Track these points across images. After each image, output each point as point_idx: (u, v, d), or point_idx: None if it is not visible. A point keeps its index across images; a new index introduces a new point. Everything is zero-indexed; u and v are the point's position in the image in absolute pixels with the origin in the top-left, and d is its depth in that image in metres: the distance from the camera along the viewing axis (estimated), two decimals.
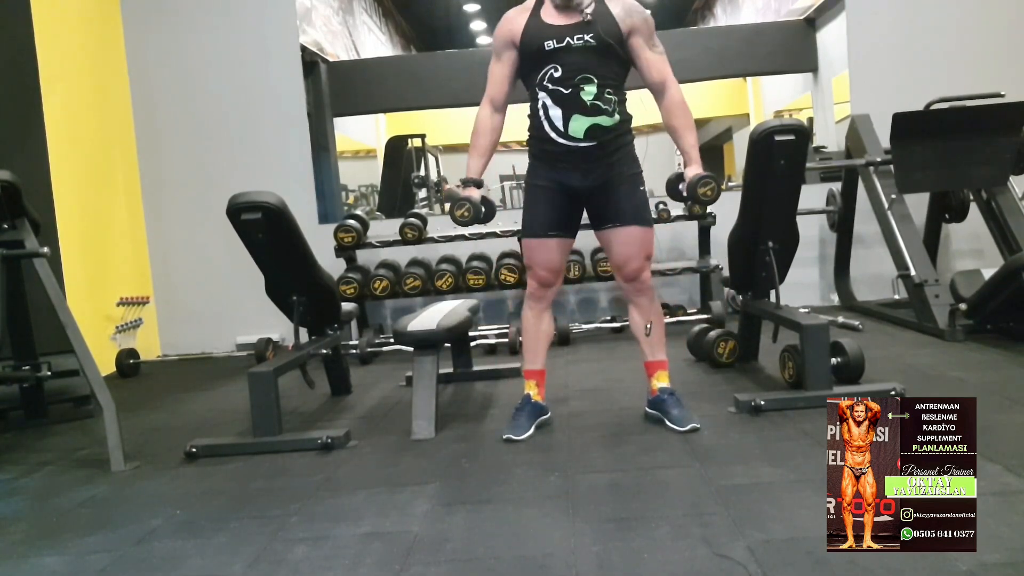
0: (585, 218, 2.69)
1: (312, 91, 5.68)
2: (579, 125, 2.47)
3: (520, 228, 2.73)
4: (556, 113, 2.48)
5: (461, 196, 2.61)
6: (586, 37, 2.45)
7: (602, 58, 2.48)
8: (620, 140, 2.56)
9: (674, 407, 2.63)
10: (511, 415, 2.71)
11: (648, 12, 2.58)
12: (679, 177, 2.64)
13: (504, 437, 2.60)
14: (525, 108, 2.64)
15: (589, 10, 2.48)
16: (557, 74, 2.47)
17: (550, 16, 2.50)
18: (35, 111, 4.28)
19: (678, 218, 4.78)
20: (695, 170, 2.57)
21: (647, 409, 2.74)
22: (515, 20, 2.56)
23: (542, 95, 2.51)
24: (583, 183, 2.55)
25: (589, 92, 2.45)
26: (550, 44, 2.47)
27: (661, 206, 4.60)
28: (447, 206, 2.65)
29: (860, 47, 5.26)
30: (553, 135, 2.50)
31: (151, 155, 5.37)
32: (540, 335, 2.74)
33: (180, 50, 5.33)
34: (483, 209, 2.62)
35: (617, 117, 2.52)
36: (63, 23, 4.64)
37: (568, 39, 2.45)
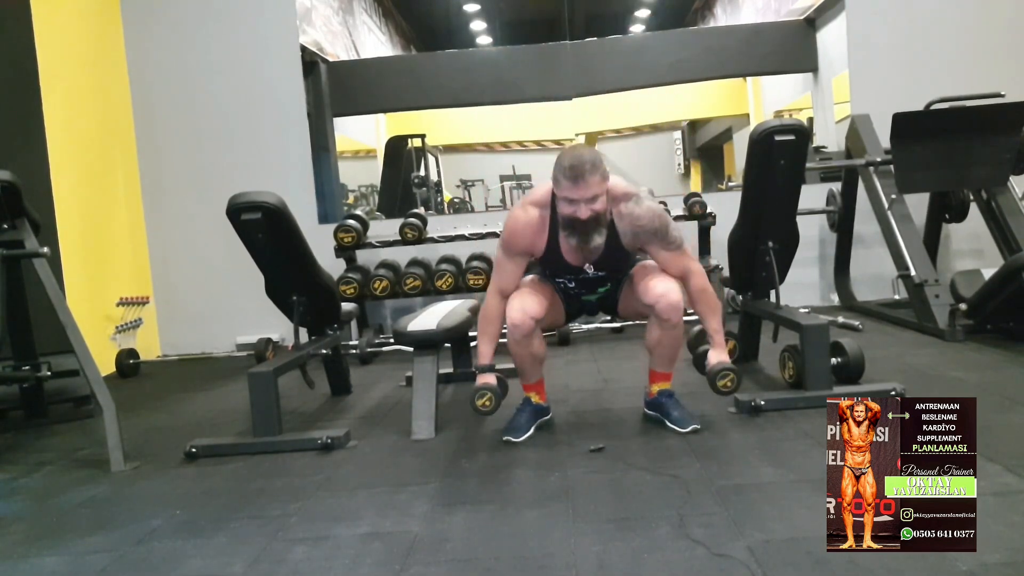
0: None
1: (312, 91, 5.68)
2: (591, 298, 2.72)
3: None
4: (571, 286, 2.68)
5: (480, 384, 2.61)
6: (600, 273, 2.60)
7: (615, 271, 2.64)
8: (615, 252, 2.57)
9: (674, 408, 2.63)
10: (511, 416, 2.71)
11: (650, 219, 2.48)
12: (704, 356, 2.71)
13: (504, 438, 2.60)
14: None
15: (597, 253, 2.50)
16: (571, 284, 2.67)
17: (567, 252, 2.53)
18: (35, 111, 4.28)
19: (678, 218, 4.77)
20: (718, 356, 2.61)
21: (646, 410, 2.74)
22: (535, 236, 2.52)
23: (558, 281, 2.69)
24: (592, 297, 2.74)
25: (599, 292, 2.70)
26: (563, 280, 2.65)
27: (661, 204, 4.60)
28: (469, 398, 2.65)
29: (860, 47, 5.27)
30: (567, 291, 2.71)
31: (151, 155, 5.37)
32: (534, 357, 2.64)
33: (180, 50, 5.33)
34: (502, 395, 2.64)
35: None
36: (63, 23, 4.64)
37: (583, 274, 2.60)
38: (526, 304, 2.54)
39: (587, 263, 2.55)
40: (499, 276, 2.63)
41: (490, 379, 2.61)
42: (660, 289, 2.48)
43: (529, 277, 2.69)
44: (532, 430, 2.64)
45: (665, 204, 4.61)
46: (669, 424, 2.60)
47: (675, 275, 2.55)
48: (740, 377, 2.58)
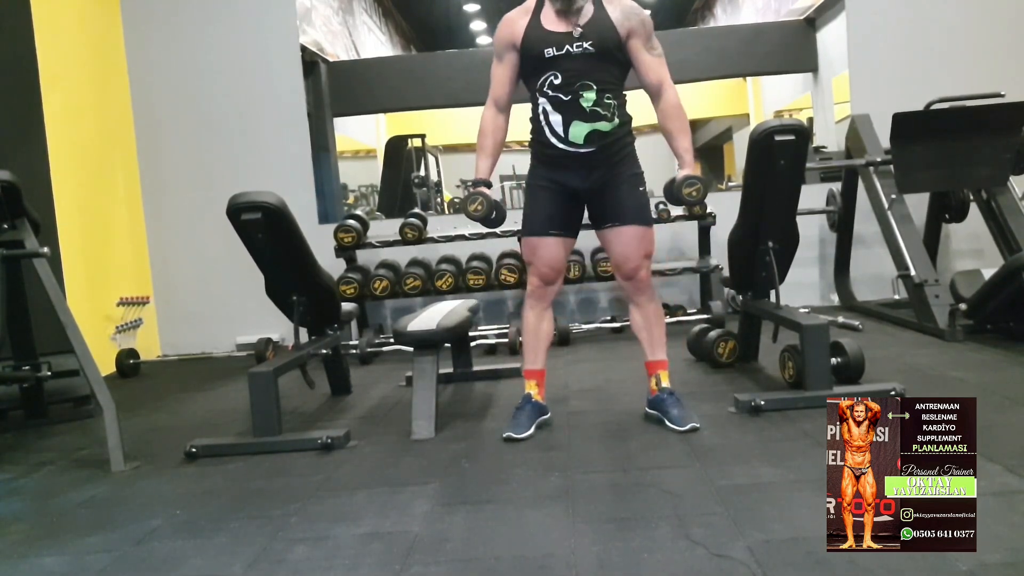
0: (586, 218, 2.70)
1: (312, 91, 5.68)
2: (579, 131, 2.50)
3: (520, 227, 2.73)
4: (556, 119, 2.51)
5: (474, 191, 2.64)
6: (585, 44, 2.47)
7: (601, 63, 2.50)
8: (620, 143, 2.57)
9: (673, 407, 2.63)
10: (512, 414, 2.71)
11: (647, 13, 2.59)
12: (673, 181, 2.65)
13: (504, 436, 2.60)
14: (523, 106, 2.66)
15: (585, 18, 2.49)
16: (557, 81, 2.49)
17: (550, 22, 2.51)
18: (35, 111, 4.28)
19: (678, 218, 4.78)
20: (686, 171, 2.59)
21: (647, 409, 2.74)
22: (516, 23, 2.57)
23: (542, 100, 2.53)
24: (583, 184, 2.58)
25: (588, 99, 2.47)
26: (550, 52, 2.49)
27: (661, 206, 4.60)
28: (462, 205, 2.70)
29: (860, 47, 5.27)
30: (553, 140, 2.53)
31: (151, 155, 5.37)
32: (541, 335, 2.74)
33: (180, 50, 5.33)
34: (495, 207, 2.66)
35: (616, 121, 2.53)
36: (63, 23, 4.64)
37: (568, 47, 2.47)
38: (538, 259, 2.63)
39: (573, 27, 2.48)
40: (492, 86, 2.65)
41: (487, 194, 2.66)
42: (633, 264, 2.61)
43: (532, 240, 2.65)
44: (533, 429, 2.65)
45: (665, 204, 4.63)
46: (668, 423, 2.60)
47: (652, 82, 2.59)
48: (707, 187, 2.59)
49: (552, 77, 2.49)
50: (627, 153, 2.60)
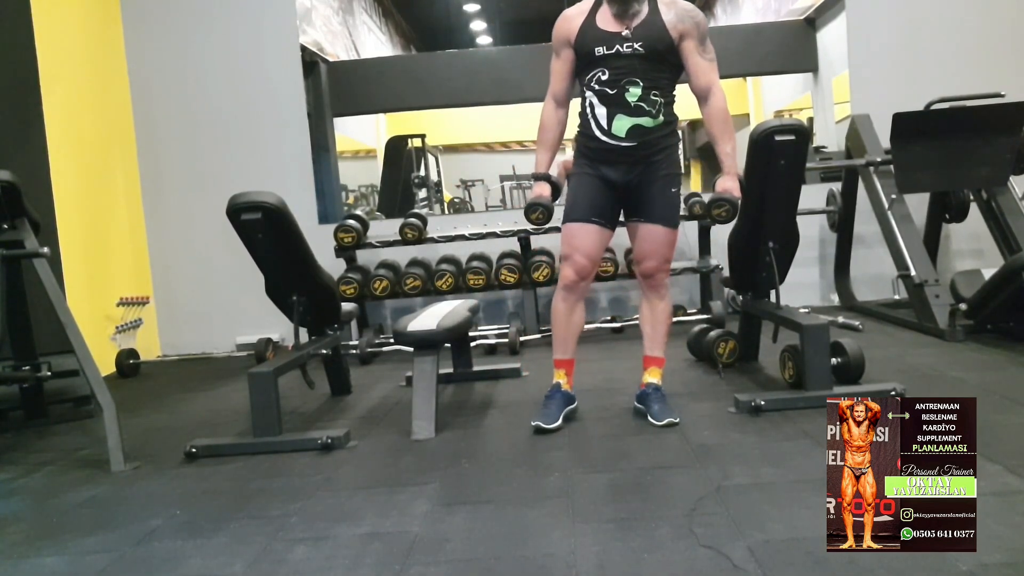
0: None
1: (312, 91, 5.68)
2: (622, 124, 2.55)
3: (563, 214, 2.74)
4: (601, 112, 2.56)
5: (537, 200, 2.73)
6: (635, 45, 2.52)
7: (650, 64, 2.54)
8: (663, 142, 2.61)
9: (655, 402, 2.66)
10: (541, 403, 2.72)
11: (703, 16, 2.61)
12: (714, 185, 2.73)
13: (534, 425, 2.61)
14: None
15: (638, 20, 2.53)
16: (604, 77, 2.55)
17: (605, 21, 2.56)
18: (35, 111, 4.28)
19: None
20: (724, 183, 2.65)
21: (635, 403, 2.78)
22: (572, 20, 2.63)
23: (589, 94, 2.59)
24: (623, 179, 2.62)
25: (634, 94, 2.53)
26: (600, 50, 2.54)
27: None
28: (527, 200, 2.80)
29: (860, 47, 5.26)
30: (597, 133, 2.58)
31: (151, 155, 5.37)
32: (572, 325, 2.75)
33: (180, 50, 5.33)
34: (553, 209, 2.76)
35: (661, 119, 2.57)
36: (63, 23, 4.64)
37: (618, 46, 2.53)
38: (575, 249, 2.66)
39: (625, 28, 2.52)
40: (552, 80, 2.72)
41: (544, 189, 2.75)
42: (652, 264, 2.69)
43: (573, 227, 2.67)
44: (561, 419, 2.65)
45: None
46: (648, 418, 2.63)
47: (701, 85, 2.62)
48: (735, 209, 2.64)
49: (600, 73, 2.55)
50: (667, 152, 2.63)
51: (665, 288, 2.76)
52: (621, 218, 2.74)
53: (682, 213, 4.69)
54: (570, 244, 2.69)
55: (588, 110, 2.60)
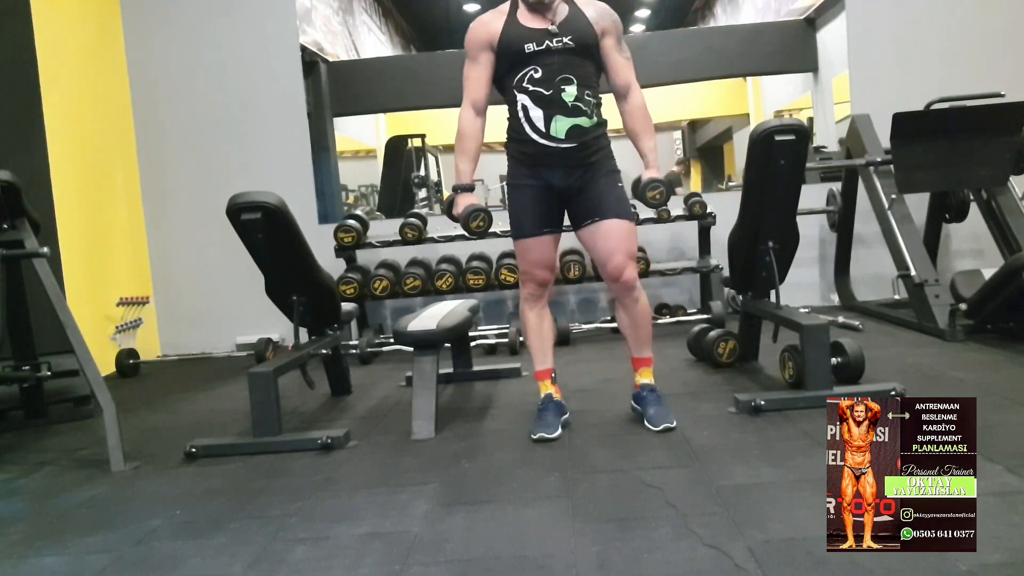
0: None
1: (312, 91, 5.68)
2: (561, 125, 2.48)
3: (511, 230, 2.70)
4: (537, 114, 2.49)
5: (474, 207, 2.65)
6: (565, 39, 2.48)
7: (580, 59, 2.51)
8: (599, 142, 2.58)
9: (651, 405, 2.64)
10: (536, 415, 2.69)
11: (617, 16, 2.61)
12: (639, 180, 2.68)
13: (536, 437, 2.57)
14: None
15: (561, 16, 2.51)
16: (537, 75, 2.48)
17: (526, 19, 2.53)
18: (35, 111, 4.28)
19: (678, 218, 4.78)
20: (650, 174, 2.63)
21: (632, 404, 2.77)
22: (491, 24, 2.57)
23: (521, 97, 2.51)
24: (564, 182, 2.57)
25: (570, 93, 2.48)
26: (530, 47, 2.49)
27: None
28: (455, 214, 2.71)
29: (860, 47, 5.26)
30: (534, 136, 2.51)
31: (151, 155, 5.37)
32: (545, 334, 2.75)
33: (180, 50, 5.34)
34: (492, 214, 2.68)
35: (595, 119, 2.55)
36: (63, 23, 4.64)
37: (548, 42, 2.48)
38: (534, 265, 2.64)
39: (549, 23, 2.49)
40: (468, 88, 2.62)
41: (473, 199, 2.68)
42: (618, 260, 2.56)
43: (527, 242, 2.64)
44: (560, 428, 2.63)
45: (665, 205, 4.63)
46: (644, 422, 2.61)
47: (620, 83, 2.62)
48: (669, 191, 2.64)
49: (532, 72, 2.49)
50: (605, 152, 2.61)
51: (638, 288, 2.63)
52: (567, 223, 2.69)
53: (682, 213, 4.76)
54: (527, 260, 2.66)
55: (521, 113, 2.51)
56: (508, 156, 2.65)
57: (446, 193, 7.74)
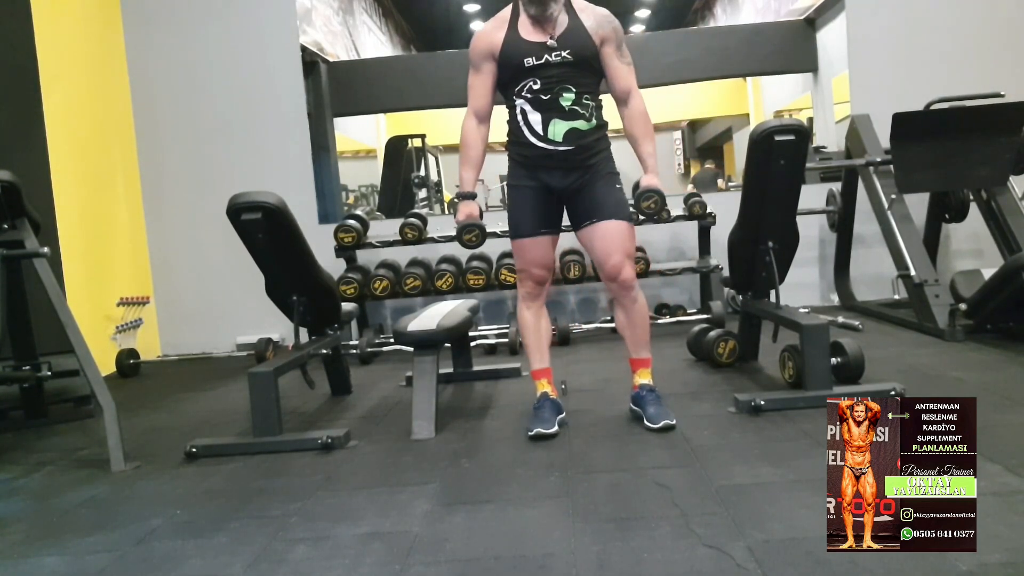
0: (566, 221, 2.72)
1: (312, 91, 5.68)
2: (558, 129, 2.53)
3: (510, 229, 2.72)
4: (535, 118, 2.54)
5: (469, 221, 2.70)
6: (563, 53, 2.51)
7: (579, 70, 2.54)
8: (598, 145, 2.60)
9: (651, 404, 2.64)
10: (532, 413, 2.70)
11: (618, 21, 2.62)
12: (637, 185, 2.68)
13: (532, 433, 2.58)
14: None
15: (561, 28, 2.53)
16: (536, 86, 2.53)
17: (527, 31, 2.54)
18: (35, 111, 4.29)
19: (678, 218, 4.78)
20: (648, 180, 2.65)
21: (631, 406, 2.77)
22: (493, 34, 2.59)
23: (520, 102, 2.56)
24: (562, 184, 2.60)
25: (568, 98, 2.51)
26: (529, 61, 2.52)
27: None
28: (455, 221, 2.75)
29: (860, 47, 5.27)
30: (532, 139, 2.55)
31: (151, 155, 5.37)
32: (542, 333, 2.77)
33: (180, 50, 5.34)
34: (486, 229, 2.73)
35: (594, 122, 2.57)
36: (63, 23, 4.64)
37: (547, 56, 2.51)
38: (531, 264, 2.66)
39: (549, 37, 2.51)
40: (471, 96, 2.66)
41: (473, 208, 2.72)
42: (616, 260, 2.58)
43: (524, 242, 2.66)
44: (557, 426, 2.64)
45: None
46: (644, 421, 2.62)
47: (621, 89, 2.63)
48: (663, 200, 2.64)
49: (531, 83, 2.53)
50: (604, 154, 2.62)
51: (636, 288, 2.67)
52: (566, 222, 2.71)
53: (682, 213, 4.76)
54: (524, 259, 2.69)
55: (520, 118, 2.56)
56: (508, 158, 2.68)
57: (446, 193, 7.76)
